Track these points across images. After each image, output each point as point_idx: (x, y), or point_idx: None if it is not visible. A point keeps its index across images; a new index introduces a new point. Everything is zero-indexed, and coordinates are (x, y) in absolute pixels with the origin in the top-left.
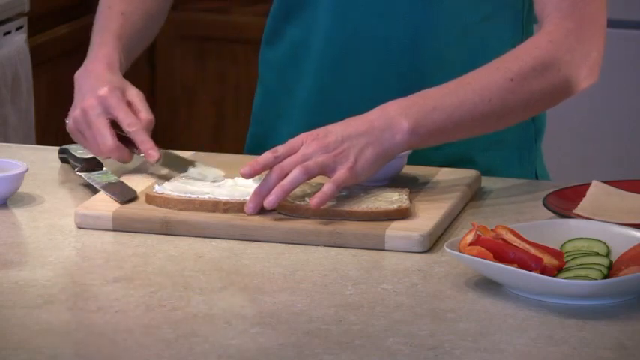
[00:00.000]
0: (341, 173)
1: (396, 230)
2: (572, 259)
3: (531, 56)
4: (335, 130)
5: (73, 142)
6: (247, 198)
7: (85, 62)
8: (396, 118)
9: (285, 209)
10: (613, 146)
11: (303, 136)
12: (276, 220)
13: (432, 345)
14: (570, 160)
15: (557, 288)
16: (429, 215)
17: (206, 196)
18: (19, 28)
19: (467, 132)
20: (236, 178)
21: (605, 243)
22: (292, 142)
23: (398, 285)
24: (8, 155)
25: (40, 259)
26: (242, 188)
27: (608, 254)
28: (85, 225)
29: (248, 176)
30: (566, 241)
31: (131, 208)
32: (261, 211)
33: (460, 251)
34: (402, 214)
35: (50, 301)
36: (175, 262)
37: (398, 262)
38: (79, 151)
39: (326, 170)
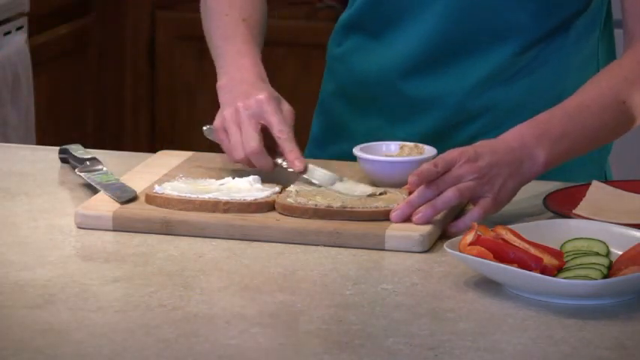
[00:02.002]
0: (488, 202)
1: (396, 230)
2: (572, 259)
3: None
4: (483, 155)
5: (73, 142)
6: (247, 198)
7: (226, 70)
8: (534, 149)
9: (285, 209)
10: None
11: (455, 154)
12: (276, 220)
13: (432, 345)
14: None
15: (557, 288)
16: None
17: (206, 196)
18: (19, 28)
19: (584, 153)
20: (236, 179)
21: (605, 243)
22: (448, 158)
23: (398, 285)
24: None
25: (40, 259)
26: (241, 190)
27: (608, 254)
28: (85, 225)
29: (414, 187)
30: (566, 241)
31: (131, 208)
32: (261, 211)
33: (460, 251)
34: None
35: (50, 301)
36: (175, 262)
37: (398, 262)
38: (79, 151)
39: (474, 195)
